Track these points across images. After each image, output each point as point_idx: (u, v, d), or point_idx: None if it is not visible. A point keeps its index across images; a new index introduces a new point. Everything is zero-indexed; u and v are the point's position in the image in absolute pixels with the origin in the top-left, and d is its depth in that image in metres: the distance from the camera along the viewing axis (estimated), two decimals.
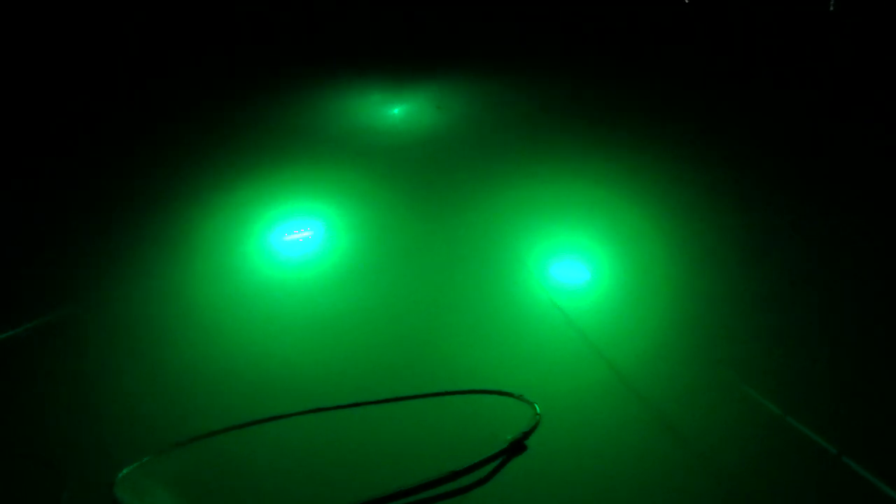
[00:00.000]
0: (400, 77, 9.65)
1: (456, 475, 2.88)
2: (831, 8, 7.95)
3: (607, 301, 4.57)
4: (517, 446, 3.11)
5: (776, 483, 2.95)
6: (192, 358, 4.09)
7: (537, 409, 3.29)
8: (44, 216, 6.15)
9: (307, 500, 2.85)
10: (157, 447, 3.07)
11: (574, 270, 4.96)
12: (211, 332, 4.39)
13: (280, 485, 2.94)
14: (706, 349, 3.91)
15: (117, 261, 5.34)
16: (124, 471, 2.94)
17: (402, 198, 6.48)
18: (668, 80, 8.72)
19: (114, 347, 4.23)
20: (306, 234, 5.87)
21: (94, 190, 6.58)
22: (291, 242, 5.72)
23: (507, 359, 4.08)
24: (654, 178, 6.38)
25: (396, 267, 5.24)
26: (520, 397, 3.41)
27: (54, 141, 7.76)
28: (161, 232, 5.81)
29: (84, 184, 6.76)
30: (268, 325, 4.47)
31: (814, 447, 3.16)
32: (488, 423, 3.29)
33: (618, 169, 6.59)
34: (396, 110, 8.53)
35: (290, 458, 3.12)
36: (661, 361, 3.88)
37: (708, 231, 5.51)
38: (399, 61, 10.17)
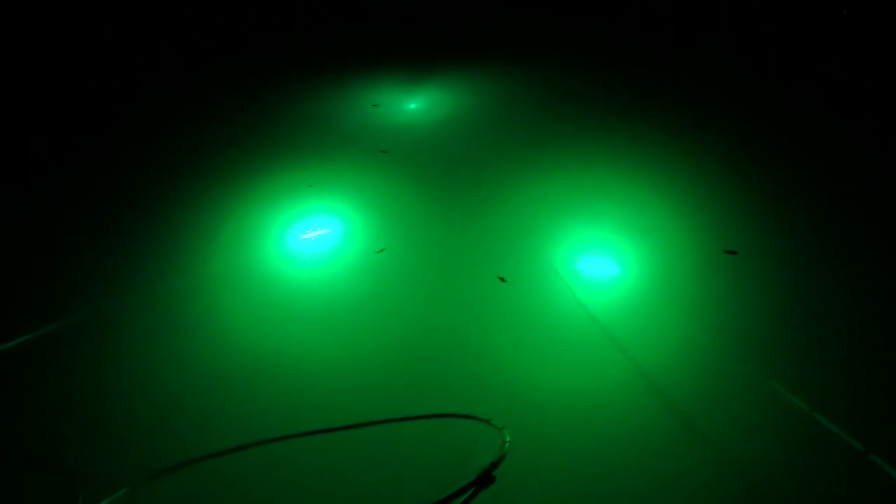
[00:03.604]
0: (414, 73, 9.52)
1: None
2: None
3: (632, 297, 4.41)
4: (485, 478, 3.00)
5: (802, 482, 2.96)
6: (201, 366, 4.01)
7: (507, 436, 3.18)
8: (49, 217, 6.10)
9: None
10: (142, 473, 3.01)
11: (600, 266, 4.81)
12: (227, 335, 4.30)
13: None
14: (732, 345, 3.74)
15: (130, 264, 5.29)
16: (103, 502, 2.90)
17: (419, 195, 6.36)
18: (696, 72, 8.50)
19: (131, 350, 4.17)
20: (322, 231, 5.79)
21: (104, 193, 6.53)
22: (307, 240, 5.63)
23: (529, 360, 3.95)
24: (682, 170, 6.21)
25: (413, 264, 5.13)
26: (487, 422, 3.29)
27: (59, 138, 7.73)
28: (172, 234, 5.75)
29: (94, 185, 6.71)
30: (283, 327, 4.37)
31: (840, 444, 3.14)
32: (462, 449, 3.20)
33: (644, 161, 6.43)
34: (413, 105, 8.40)
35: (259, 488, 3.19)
36: (684, 358, 3.73)
37: (738, 224, 5.33)
38: (410, 58, 10.04)
